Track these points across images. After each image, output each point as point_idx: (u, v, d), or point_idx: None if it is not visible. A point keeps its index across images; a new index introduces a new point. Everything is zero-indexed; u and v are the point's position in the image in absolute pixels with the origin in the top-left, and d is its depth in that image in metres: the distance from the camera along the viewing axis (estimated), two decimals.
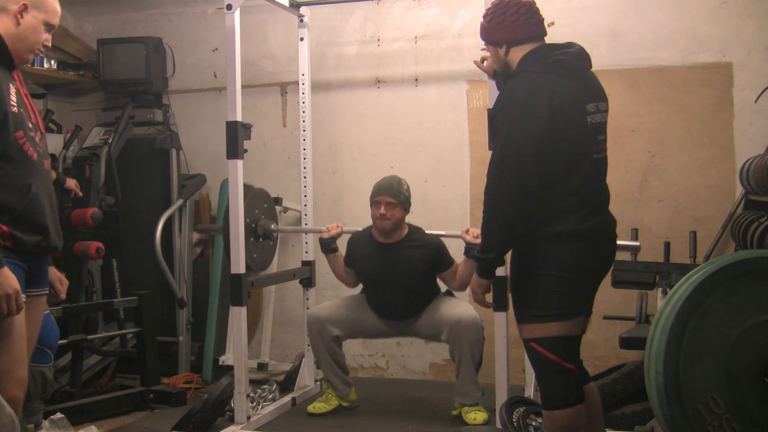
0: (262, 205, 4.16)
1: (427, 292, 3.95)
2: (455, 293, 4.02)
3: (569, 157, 2.46)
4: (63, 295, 2.84)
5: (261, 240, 4.10)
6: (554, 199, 2.46)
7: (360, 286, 4.13)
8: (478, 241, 3.65)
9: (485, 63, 2.94)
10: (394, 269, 3.86)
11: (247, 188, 4.18)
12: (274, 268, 4.83)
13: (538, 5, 2.63)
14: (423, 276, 3.88)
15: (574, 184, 2.47)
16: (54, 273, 2.80)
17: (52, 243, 2.58)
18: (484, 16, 2.64)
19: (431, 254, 3.88)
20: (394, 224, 3.85)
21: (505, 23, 2.55)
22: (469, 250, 3.76)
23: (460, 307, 3.84)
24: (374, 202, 3.86)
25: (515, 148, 2.42)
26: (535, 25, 2.57)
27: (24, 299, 2.42)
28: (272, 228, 4.14)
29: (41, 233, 2.53)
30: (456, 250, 4.01)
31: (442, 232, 3.97)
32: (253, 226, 4.03)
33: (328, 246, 4.04)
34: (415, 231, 3.95)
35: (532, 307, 2.51)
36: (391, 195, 3.82)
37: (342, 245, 4.11)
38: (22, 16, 2.51)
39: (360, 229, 4.07)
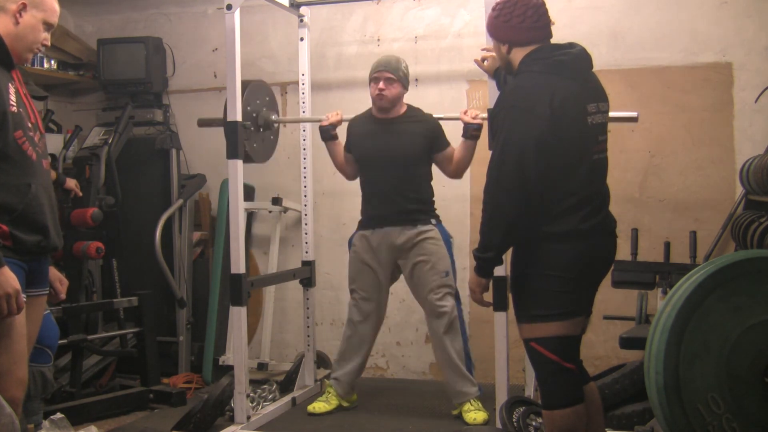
0: (264, 96, 4.16)
1: (423, 184, 3.92)
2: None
3: (569, 157, 2.46)
4: (63, 296, 2.84)
5: (262, 130, 4.10)
6: (554, 199, 2.46)
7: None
8: (477, 121, 3.70)
9: (486, 63, 2.94)
10: (392, 142, 3.85)
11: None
12: (274, 268, 4.84)
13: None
14: (420, 150, 3.86)
15: (574, 184, 2.47)
16: (54, 273, 2.80)
17: (52, 243, 2.58)
18: (493, 9, 2.64)
19: (429, 130, 3.87)
20: (392, 100, 3.86)
21: (511, 23, 2.56)
22: (467, 129, 3.75)
23: (440, 292, 3.81)
24: (373, 79, 3.88)
25: (515, 149, 2.42)
26: (540, 29, 2.57)
27: (24, 299, 2.42)
28: (273, 118, 4.15)
29: (41, 233, 2.53)
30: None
31: (441, 115, 3.97)
32: (254, 115, 4.03)
33: (327, 133, 4.02)
34: (414, 109, 3.97)
35: (532, 307, 2.51)
36: (390, 70, 3.84)
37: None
38: (21, 15, 2.51)
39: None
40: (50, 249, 2.60)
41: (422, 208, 3.91)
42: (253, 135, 4.00)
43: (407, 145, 3.85)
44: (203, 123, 4.28)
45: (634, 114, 3.55)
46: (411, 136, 3.86)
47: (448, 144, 3.91)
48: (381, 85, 3.83)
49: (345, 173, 4.13)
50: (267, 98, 4.19)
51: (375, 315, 4.01)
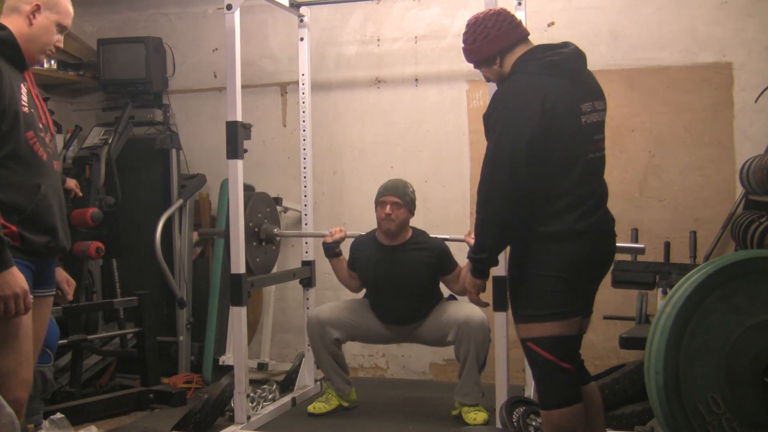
0: (265, 209, 4.16)
1: (430, 296, 3.95)
2: (458, 297, 4.00)
3: (564, 157, 2.46)
4: (70, 297, 2.82)
5: (264, 244, 4.11)
6: (549, 199, 2.46)
7: (363, 291, 4.12)
8: None
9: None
10: (398, 272, 3.86)
11: (249, 191, 4.19)
12: (274, 268, 4.84)
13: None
14: (426, 279, 3.88)
15: (569, 183, 2.47)
16: (61, 274, 2.79)
17: (61, 244, 2.58)
18: (465, 41, 2.65)
19: (435, 257, 3.87)
20: (399, 225, 3.85)
21: (491, 36, 2.57)
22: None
23: (468, 307, 3.79)
24: (380, 203, 3.86)
25: (507, 149, 2.42)
26: (517, 26, 2.60)
27: (31, 300, 2.42)
28: (275, 232, 4.15)
29: (50, 234, 2.52)
30: (457, 252, 4.01)
31: (446, 236, 3.97)
32: (256, 230, 4.04)
33: (331, 250, 4.01)
34: (419, 234, 3.95)
35: (528, 307, 2.51)
36: (397, 195, 3.82)
37: (345, 251, 4.09)
38: (34, 17, 2.51)
39: (362, 232, 4.06)
40: (58, 250, 2.60)
41: (430, 307, 3.94)
42: (254, 249, 4.00)
43: (414, 276, 3.85)
44: (203, 233, 4.60)
45: (641, 246, 3.52)
46: (417, 265, 3.85)
47: (455, 266, 3.90)
48: (388, 209, 3.81)
49: (349, 287, 4.13)
50: (268, 209, 4.18)
51: (343, 329, 3.97)
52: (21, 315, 2.39)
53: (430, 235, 3.96)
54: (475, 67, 2.69)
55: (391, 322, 3.96)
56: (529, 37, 2.63)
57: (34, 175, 2.48)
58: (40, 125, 2.54)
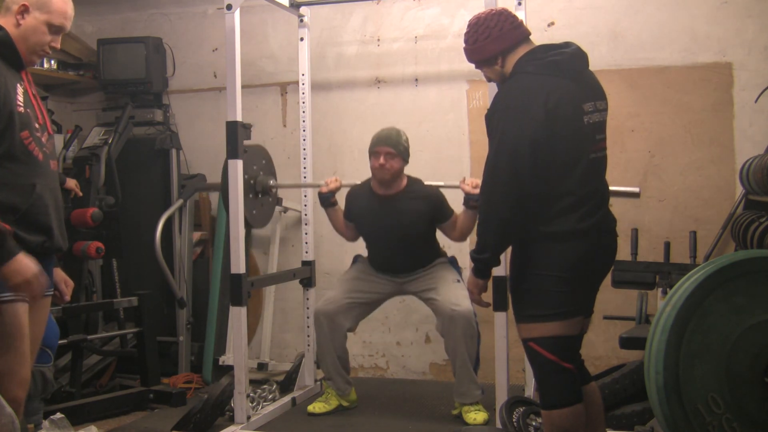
0: (261, 161, 4.15)
1: (428, 245, 3.94)
2: (459, 283, 3.95)
3: (566, 157, 2.46)
4: (68, 297, 2.83)
5: (260, 196, 4.10)
6: (551, 199, 2.46)
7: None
8: (477, 191, 3.70)
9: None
10: (394, 222, 3.85)
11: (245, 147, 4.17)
12: (274, 268, 4.84)
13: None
14: (423, 227, 3.87)
15: (571, 183, 2.46)
16: (59, 274, 2.79)
17: (56, 244, 2.57)
18: (467, 41, 2.65)
19: (431, 205, 3.87)
20: (393, 175, 3.84)
21: (492, 36, 2.56)
22: (468, 200, 3.74)
23: (456, 296, 3.77)
24: (373, 153, 3.86)
25: (510, 150, 2.42)
26: (519, 26, 2.60)
27: (47, 279, 2.41)
28: (270, 184, 4.15)
29: (45, 234, 2.52)
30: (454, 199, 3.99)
31: (441, 183, 3.95)
32: (252, 182, 4.03)
33: (327, 200, 4.02)
34: (414, 182, 3.94)
35: (530, 307, 2.51)
36: (390, 145, 3.82)
37: (341, 202, 4.08)
38: (23, 17, 2.50)
39: (359, 182, 4.06)
40: (54, 250, 2.60)
41: (429, 256, 3.95)
42: (251, 201, 3.99)
43: (409, 224, 3.84)
44: (202, 188, 4.53)
45: (636, 189, 3.48)
46: (413, 214, 3.85)
47: (451, 213, 3.90)
48: (381, 159, 3.80)
49: (345, 237, 4.15)
50: (264, 161, 4.17)
51: (352, 313, 3.97)
52: (37, 297, 2.40)
53: (425, 183, 3.95)
54: (477, 67, 2.69)
55: (389, 272, 3.94)
56: (530, 37, 2.63)
57: (30, 175, 2.48)
58: (37, 125, 2.53)
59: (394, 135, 3.85)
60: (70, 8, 2.59)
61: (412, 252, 3.90)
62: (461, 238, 3.94)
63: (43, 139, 2.56)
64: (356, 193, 4.02)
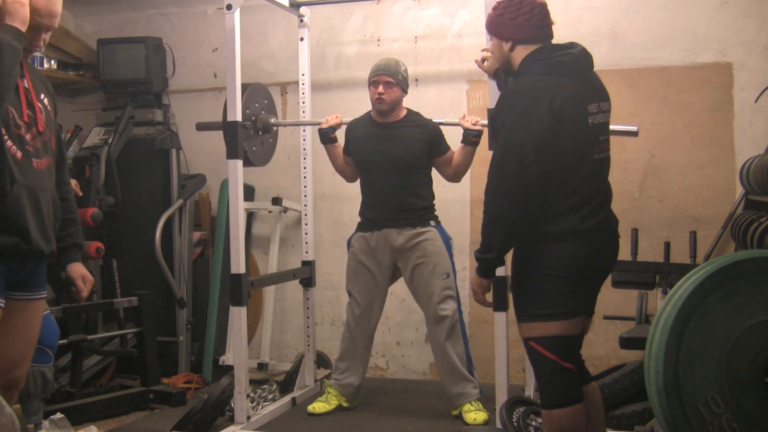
0: (262, 99, 4.15)
1: (422, 185, 3.91)
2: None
3: (570, 158, 2.46)
4: (85, 294, 2.74)
5: (261, 134, 4.10)
6: (555, 199, 2.46)
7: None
8: (477, 127, 3.69)
9: (486, 63, 2.93)
10: (392, 145, 3.85)
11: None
12: (274, 268, 4.84)
13: None
14: (419, 156, 3.85)
15: (574, 184, 2.47)
16: (77, 270, 2.71)
17: (35, 247, 2.45)
18: (495, 8, 2.64)
19: (429, 135, 3.87)
20: (391, 104, 3.85)
21: (517, 21, 2.56)
22: (467, 135, 3.75)
23: (441, 296, 3.79)
24: (372, 83, 3.86)
25: (515, 150, 2.42)
26: (544, 28, 2.59)
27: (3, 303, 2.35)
28: (271, 122, 4.14)
29: (19, 236, 2.41)
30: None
31: (441, 120, 3.95)
32: (253, 119, 4.03)
33: (326, 136, 4.01)
34: (414, 114, 3.96)
35: (531, 306, 2.51)
36: (389, 74, 3.82)
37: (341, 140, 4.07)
38: None
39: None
40: (33, 254, 2.47)
41: (421, 210, 3.91)
42: (252, 138, 4.00)
43: (407, 150, 3.84)
44: (202, 127, 4.28)
45: (634, 128, 3.52)
46: (410, 140, 3.85)
47: (447, 148, 3.90)
48: (380, 89, 3.82)
49: (345, 175, 4.13)
50: (265, 101, 4.18)
51: (372, 317, 4.00)
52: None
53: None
54: (489, 33, 2.68)
55: (380, 223, 3.89)
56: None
57: (3, 175, 2.37)
58: (20, 122, 2.44)
59: (393, 64, 3.87)
60: (55, 7, 2.51)
61: (405, 190, 3.85)
62: (455, 177, 3.91)
63: (28, 137, 2.46)
64: (355, 123, 4.03)
